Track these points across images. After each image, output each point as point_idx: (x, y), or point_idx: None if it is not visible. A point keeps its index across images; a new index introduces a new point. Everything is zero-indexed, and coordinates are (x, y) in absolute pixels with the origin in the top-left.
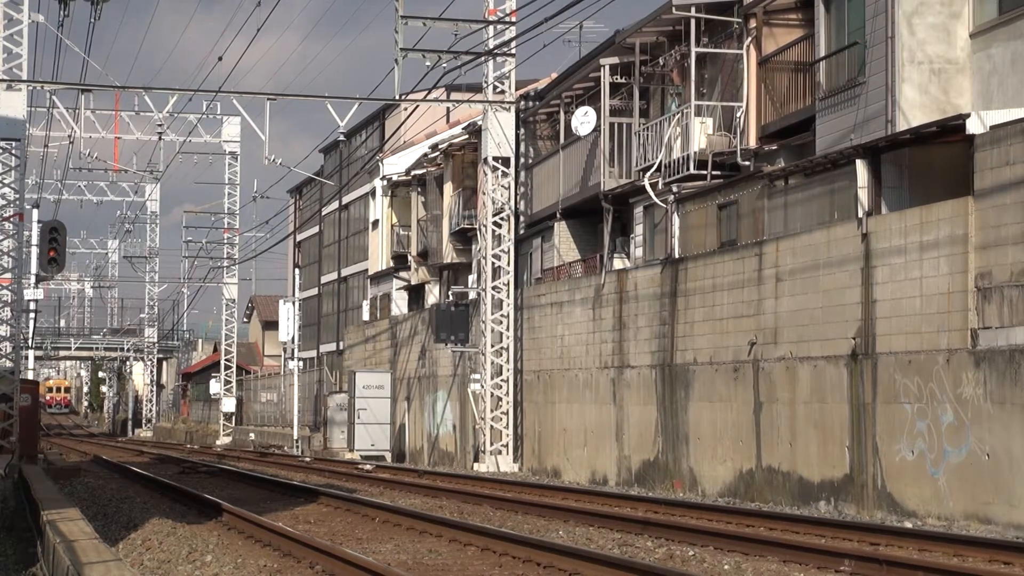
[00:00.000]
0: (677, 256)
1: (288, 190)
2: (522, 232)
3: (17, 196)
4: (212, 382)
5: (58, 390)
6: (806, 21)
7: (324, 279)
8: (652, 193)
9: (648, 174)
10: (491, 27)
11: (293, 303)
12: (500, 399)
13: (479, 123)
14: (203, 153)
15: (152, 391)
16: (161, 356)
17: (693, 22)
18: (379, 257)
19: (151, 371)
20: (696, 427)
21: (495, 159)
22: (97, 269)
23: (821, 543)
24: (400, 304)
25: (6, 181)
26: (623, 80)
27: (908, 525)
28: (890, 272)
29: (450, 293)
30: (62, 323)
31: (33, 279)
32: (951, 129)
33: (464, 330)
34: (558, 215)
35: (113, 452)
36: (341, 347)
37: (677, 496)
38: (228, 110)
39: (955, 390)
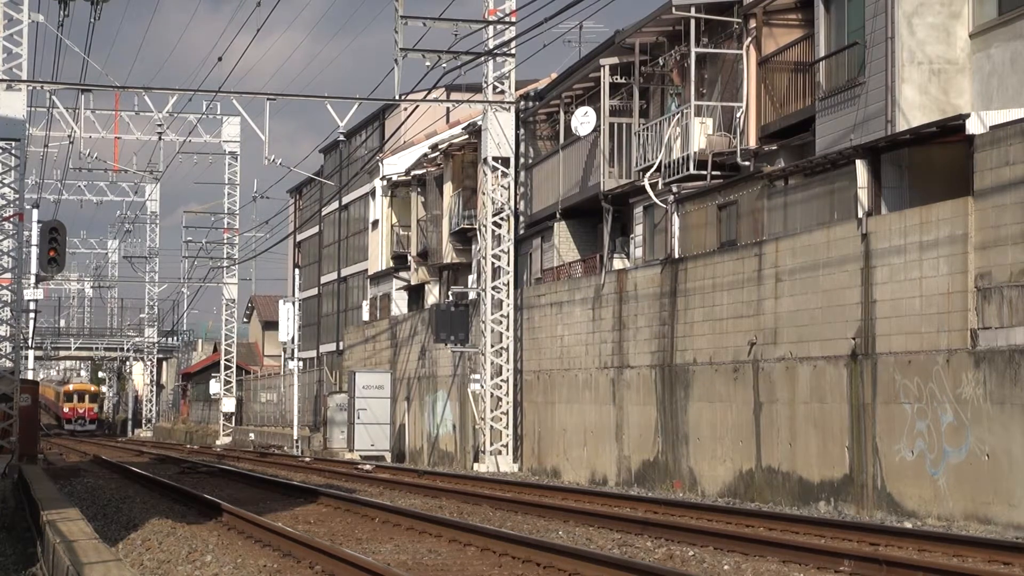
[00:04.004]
0: (677, 256)
1: (288, 190)
2: (522, 232)
3: (17, 196)
4: (212, 382)
5: (81, 398)
6: (806, 21)
7: (324, 279)
8: (652, 193)
9: (648, 174)
10: (491, 27)
11: (293, 303)
12: (500, 399)
13: (479, 123)
14: (203, 153)
15: (152, 391)
16: (161, 356)
17: (693, 22)
18: (379, 257)
19: (151, 371)
20: (696, 427)
21: (495, 159)
22: (97, 269)
23: (821, 543)
24: (400, 304)
25: (6, 181)
26: (623, 80)
27: (908, 525)
28: (890, 272)
29: (450, 293)
30: (62, 323)
31: (33, 279)
32: (951, 129)
33: (464, 330)
34: (558, 215)
35: (113, 452)
36: (341, 347)
37: (677, 496)
38: (228, 110)
39: (955, 390)
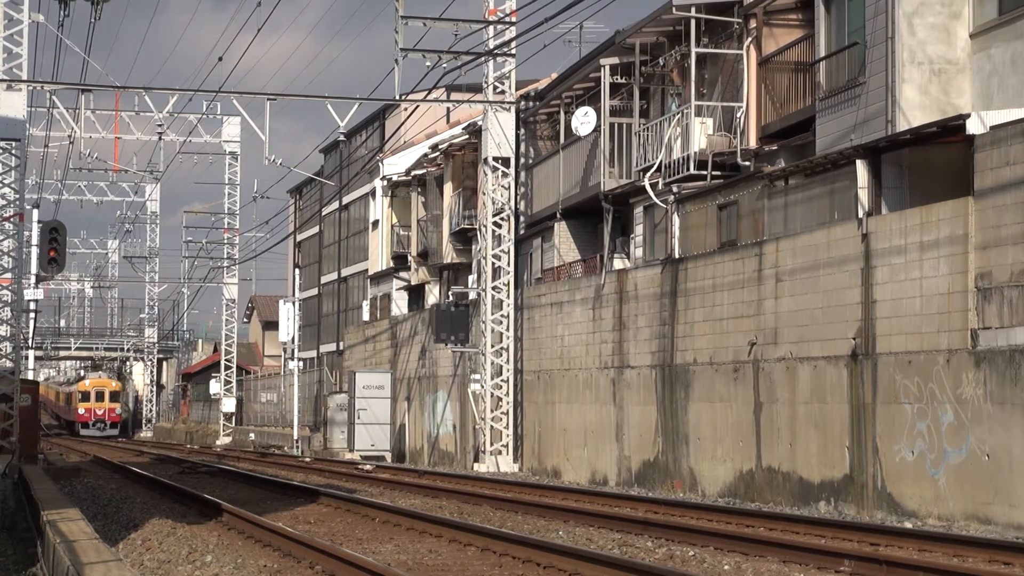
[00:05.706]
0: (677, 256)
1: (288, 190)
2: (522, 232)
3: (17, 196)
4: (212, 382)
5: (100, 397)
6: (806, 21)
7: (324, 279)
8: (652, 193)
9: (648, 174)
10: (491, 27)
11: (293, 303)
12: (500, 399)
13: (479, 123)
14: (203, 153)
15: (152, 391)
16: (161, 356)
17: (693, 22)
18: (379, 257)
19: (151, 371)
20: (696, 427)
21: (495, 159)
22: (97, 269)
23: (821, 543)
24: (400, 304)
25: (6, 181)
26: (623, 80)
27: (908, 525)
28: (890, 272)
29: (450, 293)
30: (62, 323)
31: (33, 279)
32: (951, 129)
33: (464, 330)
34: (558, 215)
35: (113, 452)
36: (341, 347)
37: (677, 496)
38: (229, 110)
39: (955, 390)
